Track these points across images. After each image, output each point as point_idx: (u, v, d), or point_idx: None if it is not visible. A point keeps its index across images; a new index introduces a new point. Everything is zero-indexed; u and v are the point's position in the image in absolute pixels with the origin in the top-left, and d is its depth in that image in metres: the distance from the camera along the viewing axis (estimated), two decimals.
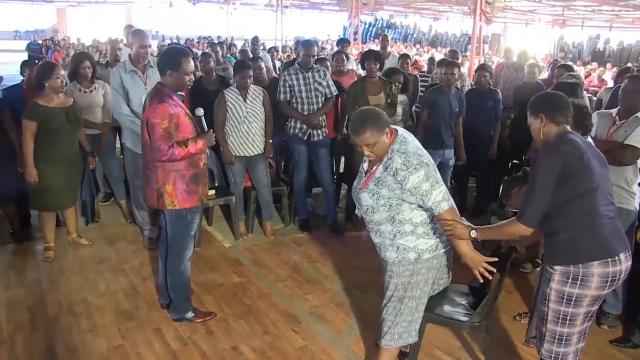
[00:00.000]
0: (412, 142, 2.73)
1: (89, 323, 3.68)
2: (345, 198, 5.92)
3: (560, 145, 2.43)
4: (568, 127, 2.54)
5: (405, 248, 2.77)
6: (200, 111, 3.53)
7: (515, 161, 6.20)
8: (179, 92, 3.72)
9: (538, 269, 4.61)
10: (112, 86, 4.49)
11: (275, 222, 5.46)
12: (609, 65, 15.46)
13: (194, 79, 3.61)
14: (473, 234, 2.65)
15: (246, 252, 4.90)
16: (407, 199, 2.68)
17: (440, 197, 2.64)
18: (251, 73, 4.80)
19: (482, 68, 6.01)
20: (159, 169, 3.40)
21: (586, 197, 2.42)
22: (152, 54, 4.96)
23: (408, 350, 3.08)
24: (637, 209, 3.52)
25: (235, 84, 4.82)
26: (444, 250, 2.83)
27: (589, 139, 2.82)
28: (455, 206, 2.74)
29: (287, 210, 5.52)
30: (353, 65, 7.48)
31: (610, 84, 10.16)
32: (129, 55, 4.59)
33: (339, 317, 3.84)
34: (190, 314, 3.73)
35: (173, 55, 3.44)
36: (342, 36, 24.56)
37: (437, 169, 2.78)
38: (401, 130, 2.81)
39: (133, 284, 4.23)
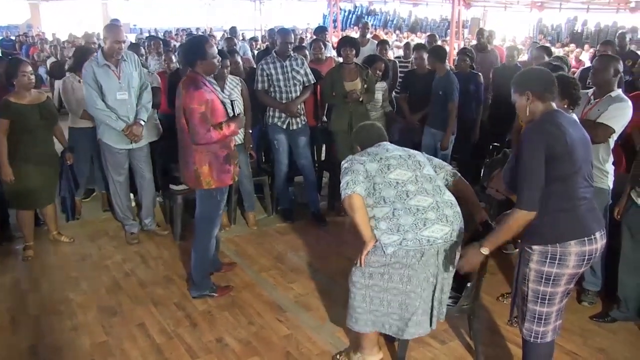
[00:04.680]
0: (359, 154, 3.00)
1: (72, 321, 3.65)
2: (327, 186, 5.92)
3: (544, 126, 2.41)
4: (554, 105, 2.52)
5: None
6: (232, 96, 3.88)
7: (495, 144, 6.23)
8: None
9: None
10: (85, 81, 4.40)
11: (258, 212, 5.45)
12: (586, 46, 15.54)
13: (220, 60, 3.81)
14: (484, 251, 2.59)
15: (229, 243, 4.88)
16: None
17: (344, 185, 2.80)
18: (228, 63, 4.75)
19: (463, 52, 6.01)
20: (195, 152, 3.59)
21: (566, 181, 2.42)
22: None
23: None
24: (611, 187, 3.56)
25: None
26: (412, 248, 2.76)
27: (574, 116, 2.80)
28: (359, 194, 2.78)
29: (269, 200, 5.51)
30: (331, 53, 7.45)
31: (588, 64, 10.23)
32: (102, 49, 4.51)
33: (323, 305, 3.85)
34: (209, 291, 3.91)
35: (196, 46, 3.62)
36: (321, 24, 24.46)
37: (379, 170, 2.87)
38: (364, 152, 3.02)
39: (116, 280, 4.21)
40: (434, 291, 2.86)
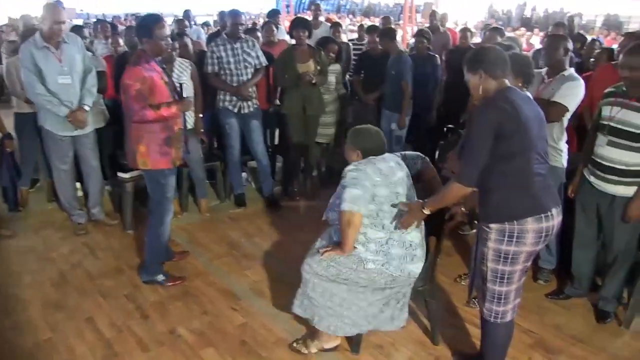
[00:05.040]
0: (372, 169, 2.77)
1: (11, 320, 3.45)
2: (281, 171, 5.82)
3: (497, 103, 2.37)
4: (507, 82, 2.48)
5: (357, 250, 2.78)
6: (181, 79, 3.82)
7: (449, 126, 6.23)
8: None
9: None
10: (23, 64, 4.13)
11: (210, 199, 5.31)
12: (536, 30, 15.86)
13: (170, 43, 3.70)
14: (426, 211, 2.65)
15: (181, 231, 4.73)
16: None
17: (346, 196, 2.66)
18: (177, 45, 4.57)
19: (420, 34, 5.95)
20: (134, 130, 3.54)
21: (521, 157, 2.39)
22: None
23: None
24: (565, 166, 3.58)
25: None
26: (391, 274, 2.76)
27: (528, 94, 2.79)
28: (357, 213, 2.67)
29: (221, 186, 5.38)
30: (284, 35, 7.31)
31: (539, 47, 10.39)
32: (40, 31, 4.24)
33: (279, 292, 3.76)
34: (160, 277, 3.83)
35: (144, 23, 3.53)
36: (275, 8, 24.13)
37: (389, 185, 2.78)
38: (372, 165, 2.81)
39: (62, 273, 4.01)
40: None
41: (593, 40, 6.14)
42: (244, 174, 5.60)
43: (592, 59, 5.08)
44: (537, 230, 2.43)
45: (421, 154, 3.14)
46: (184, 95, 3.69)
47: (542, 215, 2.43)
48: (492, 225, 2.48)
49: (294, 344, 3.14)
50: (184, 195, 5.10)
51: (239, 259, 4.27)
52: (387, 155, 2.92)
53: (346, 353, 3.12)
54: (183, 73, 4.58)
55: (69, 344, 3.20)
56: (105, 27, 7.14)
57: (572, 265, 3.59)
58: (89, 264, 4.17)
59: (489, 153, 2.36)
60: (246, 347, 3.19)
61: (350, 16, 23.80)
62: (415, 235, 2.84)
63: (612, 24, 20.41)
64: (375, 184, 2.73)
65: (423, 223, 2.87)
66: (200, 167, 4.96)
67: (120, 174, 4.72)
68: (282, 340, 3.24)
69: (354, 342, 3.10)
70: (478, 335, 2.93)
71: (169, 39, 3.62)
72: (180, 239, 4.59)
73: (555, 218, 2.48)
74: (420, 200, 2.70)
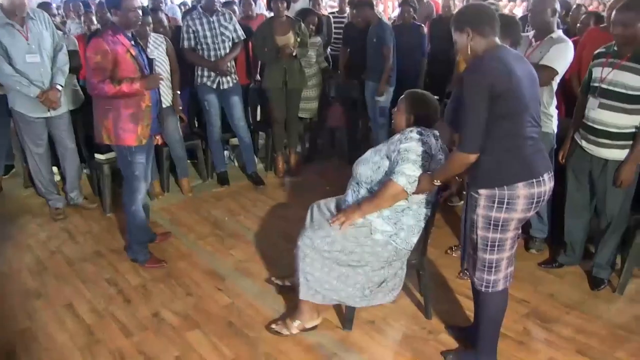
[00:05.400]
0: (430, 140, 2.75)
1: None
2: (264, 148, 5.69)
3: (488, 63, 2.23)
4: (497, 40, 2.34)
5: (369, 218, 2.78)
6: (154, 53, 3.73)
7: (435, 97, 6.10)
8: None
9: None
10: None
11: (192, 178, 5.18)
12: (518, 1, 15.71)
13: (140, 15, 3.50)
14: (437, 182, 2.61)
15: (163, 212, 4.60)
16: (385, 159, 2.79)
17: (408, 173, 2.64)
18: (150, 20, 4.39)
19: (406, 3, 5.73)
20: (98, 104, 3.48)
21: (513, 119, 2.26)
22: None
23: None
24: (556, 131, 3.49)
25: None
26: (397, 247, 2.77)
27: (519, 52, 2.66)
28: (407, 193, 2.69)
29: (203, 165, 5.24)
30: (262, 10, 7.13)
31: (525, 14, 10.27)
32: (1, 5, 3.97)
33: (265, 270, 3.66)
34: (142, 257, 3.75)
35: None
36: None
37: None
38: (430, 133, 2.79)
39: (40, 260, 3.86)
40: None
41: (578, 5, 6.02)
42: (226, 152, 5.46)
43: (578, 24, 4.96)
44: (528, 196, 2.32)
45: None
46: (155, 71, 3.57)
47: (534, 180, 2.32)
48: (482, 191, 2.35)
49: (273, 326, 3.02)
50: (165, 175, 4.95)
51: (223, 238, 4.15)
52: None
53: (337, 330, 3.03)
54: (158, 49, 4.41)
55: (48, 332, 3.07)
56: (77, 5, 6.90)
57: (565, 233, 3.53)
58: (68, 249, 4.02)
59: (487, 115, 2.22)
60: (233, 328, 3.09)
61: None
62: (428, 210, 2.85)
63: None
64: (431, 158, 2.72)
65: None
66: (180, 146, 4.81)
67: (97, 156, 4.56)
68: (270, 319, 3.13)
69: (346, 319, 3.01)
70: (471, 308, 2.88)
71: (139, 11, 3.45)
72: (162, 220, 4.46)
73: (547, 184, 2.37)
74: (429, 172, 2.64)
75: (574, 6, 6.08)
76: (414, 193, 2.69)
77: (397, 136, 2.82)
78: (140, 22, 3.53)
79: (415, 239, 2.83)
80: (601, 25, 4.33)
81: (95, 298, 3.39)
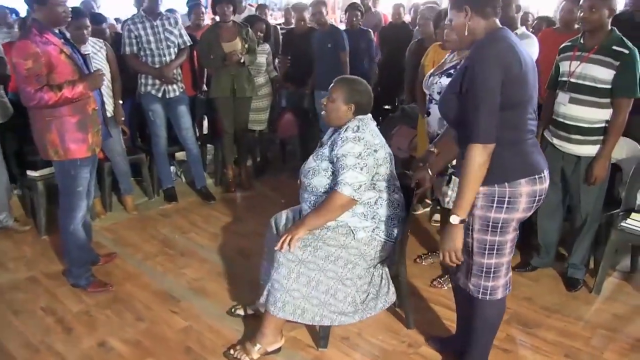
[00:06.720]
0: (370, 132, 2.57)
1: None
2: (213, 162, 5.40)
3: (497, 44, 1.98)
4: (498, 22, 2.10)
5: (343, 219, 2.60)
6: (86, 49, 3.31)
7: (387, 107, 5.99)
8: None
9: (428, 209, 4.45)
10: None
11: (137, 196, 4.81)
12: None
13: (69, 10, 3.10)
14: (455, 219, 2.08)
15: (106, 232, 4.22)
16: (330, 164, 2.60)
17: (350, 181, 2.46)
18: (88, 23, 4.03)
19: (354, 7, 5.58)
20: (39, 117, 3.08)
21: (517, 109, 2.05)
22: None
23: None
24: None
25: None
26: (381, 240, 2.62)
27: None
28: (357, 201, 2.53)
29: (148, 181, 4.88)
30: (207, 20, 6.85)
31: None
32: None
33: (222, 288, 3.38)
34: (83, 281, 3.39)
35: None
36: None
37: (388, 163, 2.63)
38: (368, 126, 2.61)
39: None
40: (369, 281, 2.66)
41: (525, 13, 6.08)
42: (172, 168, 5.13)
43: (531, 30, 4.98)
44: (530, 194, 2.11)
45: None
46: (94, 67, 3.21)
47: (537, 176, 2.12)
48: (479, 189, 2.10)
49: (232, 352, 2.70)
50: (107, 193, 4.57)
51: (174, 257, 3.83)
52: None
53: (309, 350, 2.77)
54: (97, 54, 4.08)
55: None
56: (4, 13, 6.42)
57: (538, 235, 3.43)
58: None
59: (499, 98, 1.96)
60: (192, 354, 2.77)
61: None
62: (401, 195, 2.68)
63: None
64: (376, 149, 2.53)
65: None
66: (123, 160, 4.45)
67: (30, 173, 4.15)
68: (233, 342, 2.83)
69: (320, 336, 2.75)
70: (447, 317, 2.75)
71: (67, 6, 3.08)
72: (106, 240, 4.08)
73: (547, 180, 2.18)
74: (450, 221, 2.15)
75: (522, 12, 6.13)
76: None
77: (334, 136, 2.64)
78: (69, 18, 3.17)
79: (396, 230, 2.66)
80: (554, 27, 4.35)
81: (29, 330, 2.98)
